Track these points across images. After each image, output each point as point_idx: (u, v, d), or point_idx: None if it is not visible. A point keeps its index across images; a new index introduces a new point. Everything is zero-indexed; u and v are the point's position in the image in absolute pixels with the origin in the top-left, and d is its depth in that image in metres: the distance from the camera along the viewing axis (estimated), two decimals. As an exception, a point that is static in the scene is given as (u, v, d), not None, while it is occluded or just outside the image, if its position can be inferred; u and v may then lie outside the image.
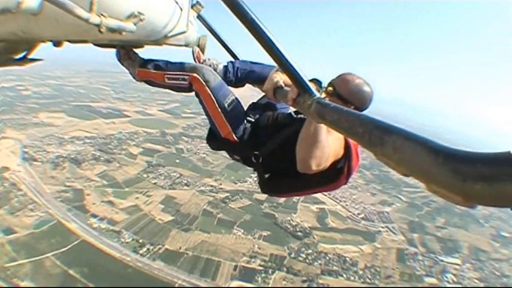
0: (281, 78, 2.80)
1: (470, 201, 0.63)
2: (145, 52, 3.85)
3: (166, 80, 3.42)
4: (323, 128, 2.24)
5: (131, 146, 78.67)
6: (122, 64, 3.75)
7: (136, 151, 75.98)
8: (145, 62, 3.61)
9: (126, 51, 3.70)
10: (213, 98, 3.22)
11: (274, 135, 3.21)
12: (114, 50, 3.77)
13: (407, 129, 0.86)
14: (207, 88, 3.21)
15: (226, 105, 3.23)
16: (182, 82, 3.32)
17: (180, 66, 3.41)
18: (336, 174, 2.82)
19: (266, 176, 3.27)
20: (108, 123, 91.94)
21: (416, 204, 76.23)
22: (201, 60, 3.97)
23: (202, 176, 69.62)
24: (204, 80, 3.22)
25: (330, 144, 2.40)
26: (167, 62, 3.52)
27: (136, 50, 3.87)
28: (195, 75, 3.25)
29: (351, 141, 2.73)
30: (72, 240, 44.52)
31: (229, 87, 3.47)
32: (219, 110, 3.23)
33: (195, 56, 4.02)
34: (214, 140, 3.44)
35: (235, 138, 3.28)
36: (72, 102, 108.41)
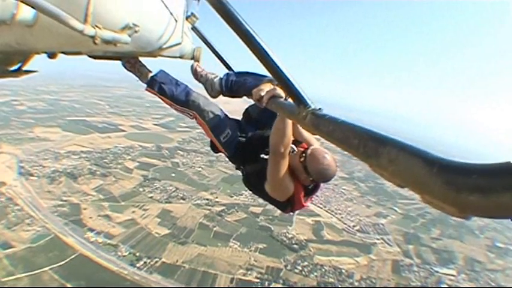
0: (265, 89, 3.02)
1: (465, 213, 0.62)
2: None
3: (172, 109, 3.98)
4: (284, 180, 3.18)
5: (127, 160, 78.49)
6: (130, 71, 4.06)
7: (132, 165, 75.79)
8: (152, 81, 3.95)
9: (131, 64, 3.99)
10: (211, 133, 3.87)
11: (253, 163, 3.72)
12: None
13: (402, 140, 0.87)
14: (207, 126, 3.86)
15: (221, 138, 3.87)
16: (187, 115, 3.95)
17: (185, 101, 3.90)
18: (284, 207, 3.50)
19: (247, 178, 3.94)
20: (103, 138, 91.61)
21: (412, 215, 76.53)
22: (199, 75, 4.33)
23: (198, 190, 69.48)
24: (203, 120, 3.85)
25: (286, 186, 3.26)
26: (172, 89, 3.90)
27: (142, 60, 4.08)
28: (196, 115, 3.86)
29: (297, 192, 3.31)
30: (69, 254, 44.30)
31: (227, 118, 4.03)
32: (216, 140, 3.91)
33: (192, 71, 4.38)
34: (215, 149, 4.15)
35: (228, 155, 3.99)
36: (67, 117, 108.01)
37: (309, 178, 3.19)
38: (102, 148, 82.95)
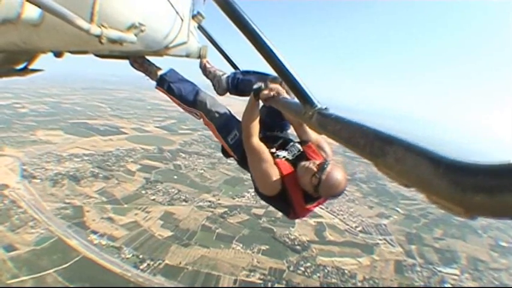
0: (272, 89, 3.04)
1: (471, 213, 0.61)
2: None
3: (181, 108, 3.99)
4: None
5: (129, 162, 78.77)
6: (138, 71, 4.09)
7: (134, 168, 76.06)
8: (161, 80, 3.96)
9: (139, 64, 4.02)
10: (218, 133, 3.81)
11: None
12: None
13: (408, 140, 0.85)
14: (213, 126, 3.83)
15: (229, 139, 3.76)
16: (195, 115, 3.94)
17: (193, 101, 3.89)
18: (284, 208, 3.22)
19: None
20: (105, 140, 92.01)
21: (414, 216, 76.40)
22: (207, 71, 4.46)
23: (201, 192, 69.55)
24: (210, 120, 3.83)
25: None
26: (180, 88, 3.92)
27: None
28: (203, 115, 3.86)
29: (292, 191, 3.04)
30: (73, 257, 44.38)
31: (234, 119, 3.91)
32: (224, 141, 3.82)
33: (201, 66, 4.50)
34: (225, 153, 4.07)
35: (237, 158, 3.85)
36: (69, 120, 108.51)
37: (316, 194, 2.97)
38: (104, 151, 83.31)
